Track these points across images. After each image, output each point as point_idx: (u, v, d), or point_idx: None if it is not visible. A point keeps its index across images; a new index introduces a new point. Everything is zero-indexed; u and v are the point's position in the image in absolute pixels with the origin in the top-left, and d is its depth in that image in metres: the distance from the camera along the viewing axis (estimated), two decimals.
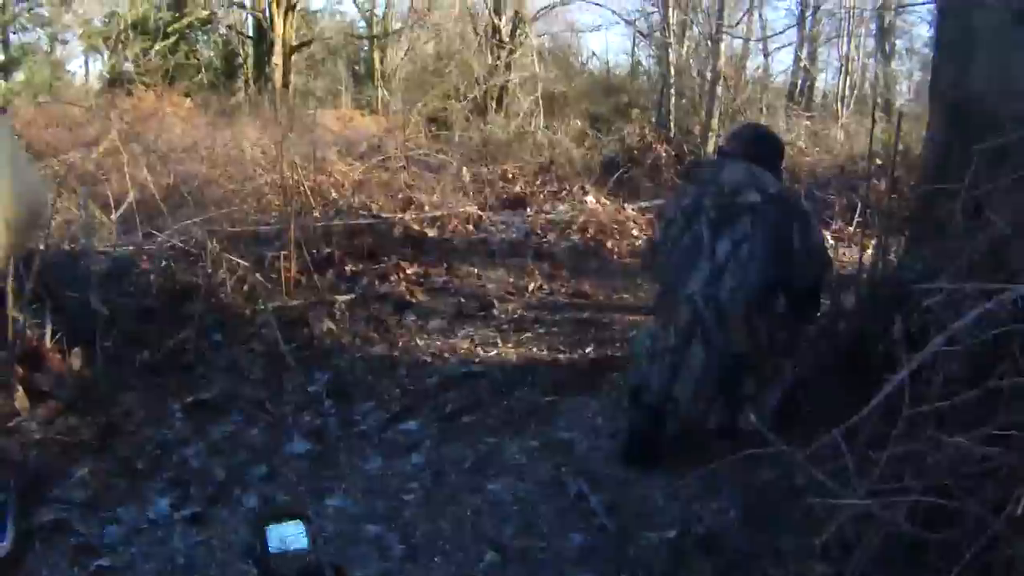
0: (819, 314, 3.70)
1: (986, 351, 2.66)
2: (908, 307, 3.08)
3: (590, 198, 8.31)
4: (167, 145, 8.92)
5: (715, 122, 12.11)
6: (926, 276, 3.17)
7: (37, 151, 7.74)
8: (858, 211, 6.37)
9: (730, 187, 3.20)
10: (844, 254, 5.80)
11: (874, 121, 6.48)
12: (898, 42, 16.99)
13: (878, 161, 6.95)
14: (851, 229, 6.52)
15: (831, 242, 6.24)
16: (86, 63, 24.26)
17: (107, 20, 20.58)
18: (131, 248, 5.31)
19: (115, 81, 19.44)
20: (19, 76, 21.02)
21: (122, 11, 19.48)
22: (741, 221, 3.13)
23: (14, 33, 21.45)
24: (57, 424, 3.47)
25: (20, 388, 3.52)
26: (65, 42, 22.61)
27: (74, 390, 3.70)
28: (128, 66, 20.31)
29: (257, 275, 5.00)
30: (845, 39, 16.31)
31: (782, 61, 16.85)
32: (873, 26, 16.21)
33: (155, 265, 5.00)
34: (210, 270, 4.88)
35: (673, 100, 12.88)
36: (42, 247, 4.11)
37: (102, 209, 5.91)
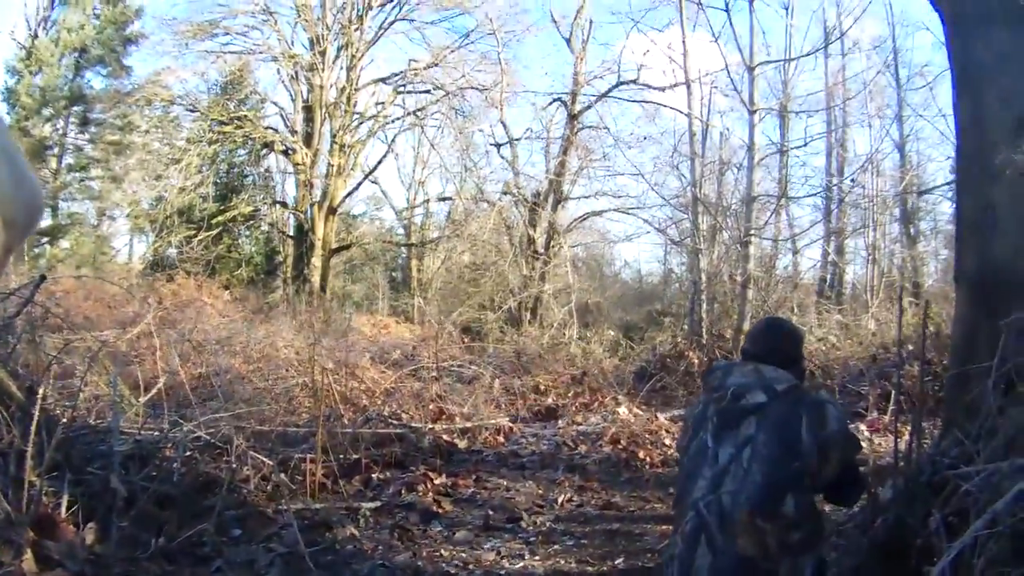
0: (859, 499, 3.55)
1: None
2: (945, 494, 2.94)
3: (623, 408, 8.24)
4: (202, 335, 9.03)
5: (746, 324, 12.06)
6: (962, 459, 3.05)
7: (73, 322, 7.78)
8: (892, 399, 6.21)
9: (736, 390, 3.17)
10: (880, 444, 5.59)
11: (901, 307, 6.47)
12: (922, 224, 17.30)
13: (909, 347, 6.87)
14: (886, 418, 6.33)
15: (866, 433, 6.06)
16: (131, 242, 24.98)
17: (155, 204, 21.17)
18: (157, 433, 5.28)
19: (158, 264, 20.14)
20: (64, 244, 21.67)
21: (170, 196, 20.03)
22: (745, 424, 3.07)
23: (64, 201, 22.16)
24: None
25: (30, 552, 3.40)
26: (113, 218, 23.55)
27: (85, 564, 3.57)
28: (172, 252, 20.99)
29: (282, 475, 4.96)
30: (871, 228, 16.68)
31: (811, 258, 17.10)
32: (897, 211, 16.61)
33: (179, 453, 4.95)
34: (235, 465, 4.85)
35: (704, 306, 12.95)
36: (64, 419, 4.12)
37: (132, 390, 5.97)
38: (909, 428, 3.75)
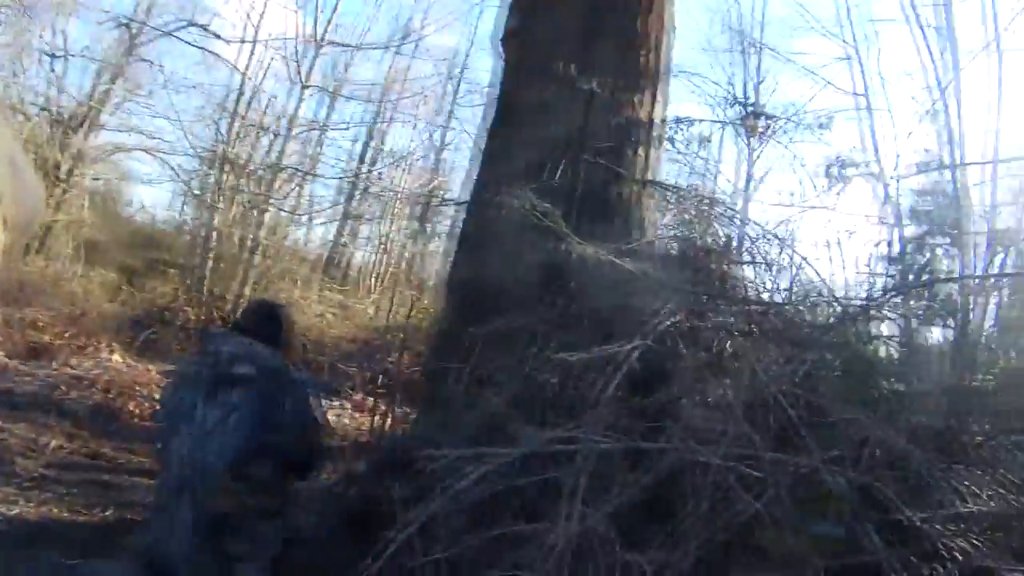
0: (320, 476, 3.88)
1: (487, 506, 3.01)
2: (414, 471, 3.34)
3: (116, 356, 7.84)
4: None
5: (248, 289, 12.09)
6: (432, 443, 3.49)
7: None
8: (376, 382, 6.77)
9: (226, 359, 3.32)
10: (363, 424, 6.07)
11: (393, 299, 7.06)
12: (438, 226, 18.76)
13: (401, 336, 7.56)
14: (370, 400, 6.89)
15: (351, 412, 6.53)
16: None
17: None
18: None
19: None
20: None
21: None
22: (233, 391, 3.22)
23: None
24: None
25: None
26: None
27: None
28: None
29: None
30: (388, 219, 17.74)
31: (322, 235, 17.53)
32: (416, 209, 18.00)
33: None
34: None
35: (211, 264, 12.58)
36: None
37: None
38: (388, 411, 4.17)
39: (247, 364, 3.26)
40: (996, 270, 6.62)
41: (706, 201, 4.31)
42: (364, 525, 3.58)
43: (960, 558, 2.60)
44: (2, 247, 0.64)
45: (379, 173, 16.79)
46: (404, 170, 17.46)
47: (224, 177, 13.09)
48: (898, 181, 8.28)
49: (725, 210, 4.21)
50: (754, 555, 2.74)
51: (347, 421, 6.09)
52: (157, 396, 6.72)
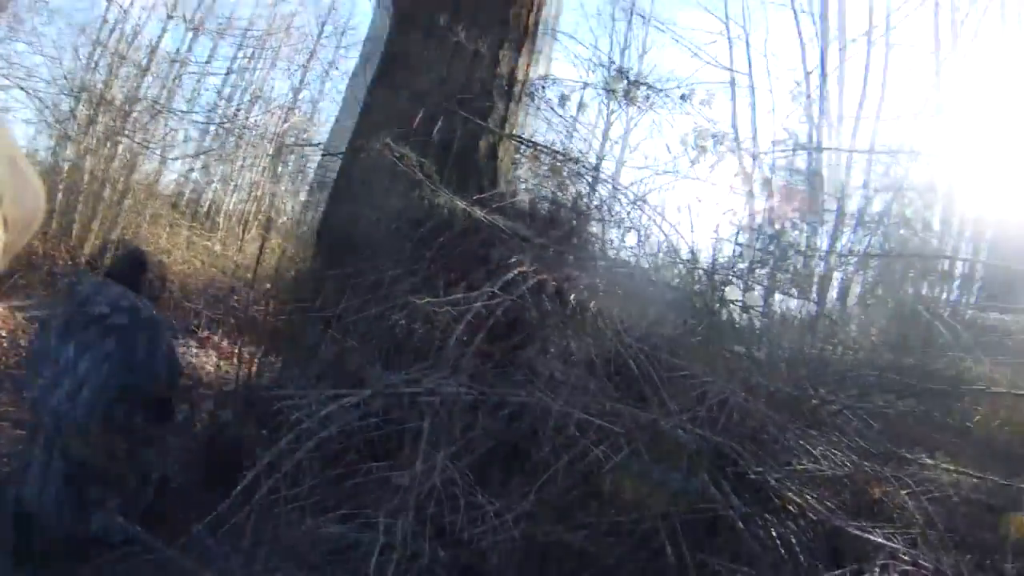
0: (179, 420, 3.86)
1: (337, 444, 3.09)
2: (268, 412, 3.38)
3: None
4: None
5: (116, 233, 11.49)
6: (293, 387, 3.53)
7: None
8: (237, 327, 6.64)
9: (83, 299, 3.29)
10: (226, 370, 5.97)
11: (263, 240, 6.90)
12: (292, 166, 18.17)
13: (266, 283, 7.43)
14: (235, 346, 6.77)
15: (213, 357, 6.41)
16: None
17: None
18: None
19: None
20: None
21: None
22: (90, 332, 3.18)
23: None
24: None
25: None
26: None
27: None
28: None
29: None
30: (246, 159, 17.07)
31: (176, 171, 16.62)
32: (271, 148, 17.37)
33: None
34: None
35: (80, 207, 11.81)
36: None
37: None
38: (249, 356, 4.16)
39: (110, 308, 3.23)
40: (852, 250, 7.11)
41: (568, 159, 4.45)
42: (228, 471, 3.59)
43: (811, 516, 2.86)
44: (2, 247, 0.64)
45: (252, 117, 16.15)
46: (277, 116, 16.87)
47: (96, 117, 12.29)
48: (756, 158, 8.74)
49: (585, 169, 4.37)
50: (608, 504, 2.94)
51: (211, 368, 5.95)
52: (23, 344, 6.38)
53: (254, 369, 4.04)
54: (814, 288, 5.02)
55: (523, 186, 4.37)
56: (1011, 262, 5.98)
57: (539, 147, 4.42)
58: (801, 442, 3.30)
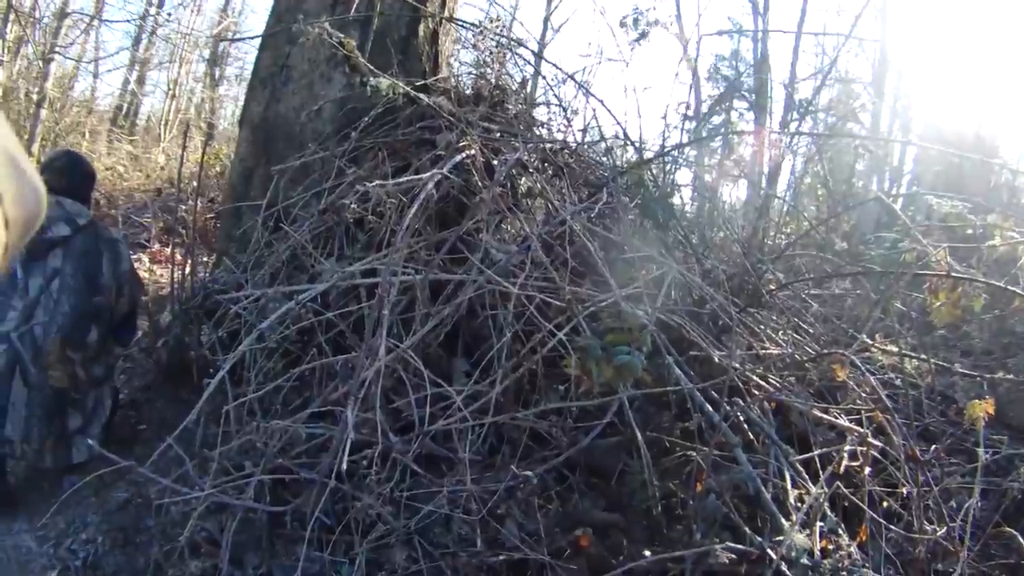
0: (137, 337, 3.76)
1: (295, 344, 3.07)
2: (218, 316, 3.31)
3: None
4: None
5: (36, 146, 10.87)
6: (233, 286, 3.45)
7: None
8: (173, 232, 6.42)
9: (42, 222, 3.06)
10: (162, 275, 5.79)
11: (185, 143, 6.63)
12: (228, 69, 17.48)
13: (194, 183, 7.14)
14: (167, 251, 6.56)
15: (148, 264, 6.20)
16: None
17: None
18: None
19: None
20: None
21: None
22: (52, 256, 3.03)
23: None
24: None
25: None
26: None
27: None
28: None
29: None
30: (178, 64, 16.28)
31: (110, 84, 15.77)
32: (207, 52, 16.57)
33: None
34: None
35: None
36: None
37: None
38: (185, 259, 4.03)
39: (61, 224, 3.06)
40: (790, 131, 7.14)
41: (504, 40, 4.31)
42: (178, 376, 3.57)
43: (757, 393, 2.95)
44: (2, 247, 0.58)
45: (168, 15, 15.17)
46: (194, 12, 15.90)
47: (8, 28, 11.34)
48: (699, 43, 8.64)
49: (523, 50, 4.24)
50: (559, 383, 2.98)
51: (146, 274, 5.75)
52: None
53: (188, 271, 3.93)
54: (755, 171, 5.06)
55: (464, 69, 4.23)
56: (943, 147, 6.12)
57: (480, 28, 4.25)
58: (748, 323, 3.41)
